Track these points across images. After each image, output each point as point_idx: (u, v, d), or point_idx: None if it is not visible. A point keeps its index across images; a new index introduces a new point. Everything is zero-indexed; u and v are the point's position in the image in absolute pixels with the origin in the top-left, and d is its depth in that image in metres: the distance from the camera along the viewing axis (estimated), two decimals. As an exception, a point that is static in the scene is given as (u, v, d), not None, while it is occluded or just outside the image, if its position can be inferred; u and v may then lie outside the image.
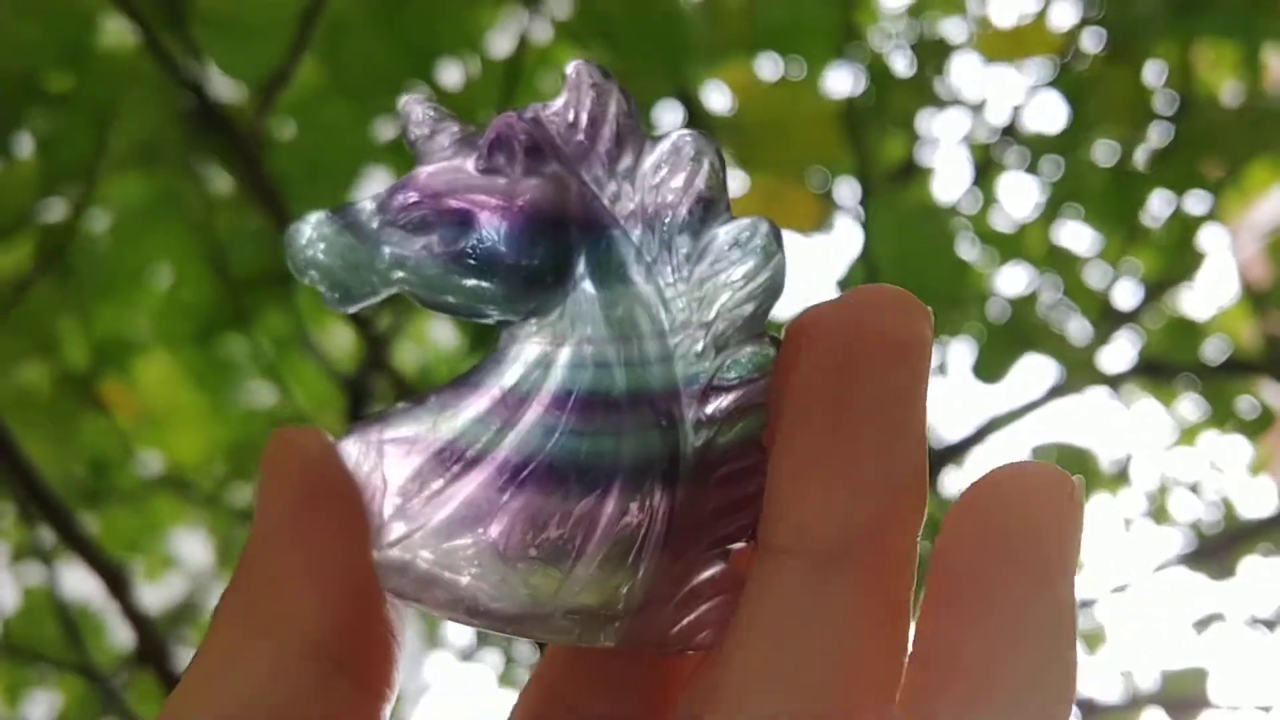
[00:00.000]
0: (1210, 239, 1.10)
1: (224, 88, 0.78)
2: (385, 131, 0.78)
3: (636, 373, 0.22)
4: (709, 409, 0.22)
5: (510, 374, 0.23)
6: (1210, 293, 1.22)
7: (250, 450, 1.00)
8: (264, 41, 0.71)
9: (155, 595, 1.41)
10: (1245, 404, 1.11)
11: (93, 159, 0.57)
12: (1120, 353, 1.15)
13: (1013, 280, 1.12)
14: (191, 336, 0.85)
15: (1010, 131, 1.08)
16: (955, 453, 1.01)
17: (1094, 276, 1.16)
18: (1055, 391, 1.02)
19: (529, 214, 0.22)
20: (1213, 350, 1.16)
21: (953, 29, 1.14)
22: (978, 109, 1.08)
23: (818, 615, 0.20)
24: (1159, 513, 1.26)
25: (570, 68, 0.23)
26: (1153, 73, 0.99)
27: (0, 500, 1.00)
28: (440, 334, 1.33)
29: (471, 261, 0.22)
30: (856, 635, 0.20)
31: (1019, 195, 1.16)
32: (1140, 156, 0.92)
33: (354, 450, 0.23)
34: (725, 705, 0.20)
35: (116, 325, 0.91)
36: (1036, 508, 0.21)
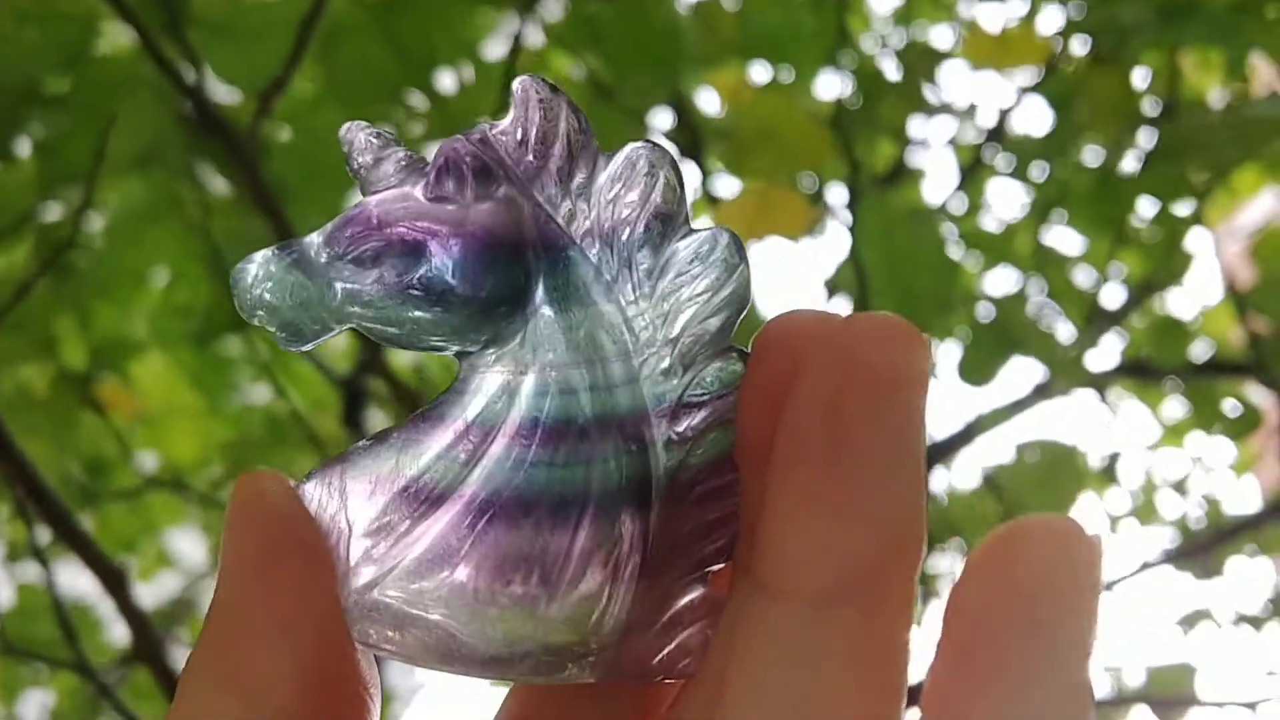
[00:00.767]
0: (1197, 241, 1.11)
1: (222, 92, 0.79)
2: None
3: (603, 397, 0.22)
4: (680, 428, 0.22)
5: (473, 405, 0.22)
6: (1196, 295, 1.23)
7: (246, 448, 1.01)
8: (262, 47, 0.72)
9: (150, 593, 1.42)
10: (1230, 405, 1.12)
11: (92, 162, 0.58)
12: (1106, 354, 1.16)
13: (1000, 282, 1.13)
14: (189, 338, 0.86)
15: (998, 135, 1.09)
16: (943, 451, 1.02)
17: (1080, 279, 1.17)
18: (1042, 391, 1.03)
19: (482, 241, 0.22)
20: (1198, 351, 1.17)
21: (941, 35, 1.16)
22: (966, 114, 1.09)
23: (815, 656, 0.19)
24: (1145, 511, 1.27)
25: (516, 84, 0.22)
26: (1139, 77, 1.01)
27: (-3, 499, 1.00)
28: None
29: (425, 293, 0.21)
30: (855, 677, 0.19)
31: (1006, 199, 1.17)
32: (1127, 161, 0.93)
33: (316, 493, 0.22)
34: None
35: (115, 326, 0.91)
36: (1056, 573, 0.19)
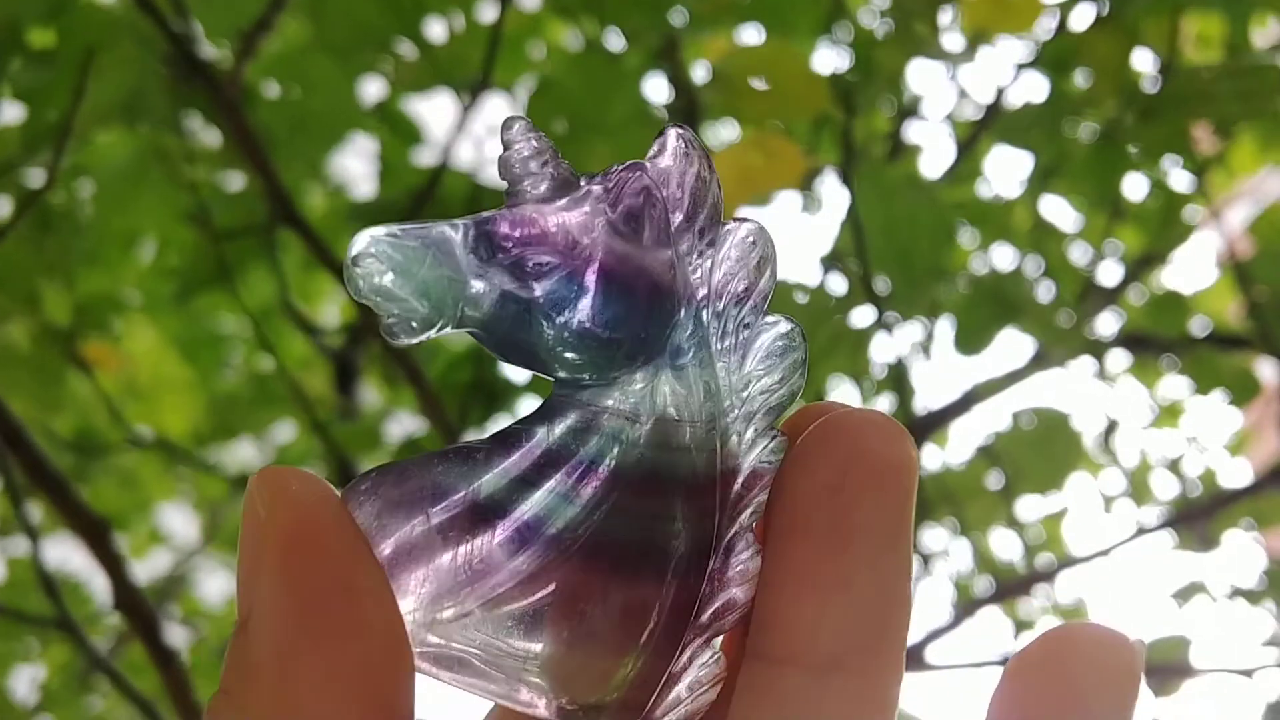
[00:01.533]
0: (1194, 214, 1.11)
1: (209, 46, 0.78)
2: (370, 90, 0.78)
3: (691, 458, 0.22)
4: (745, 500, 0.22)
5: (563, 438, 0.22)
6: (1194, 269, 1.22)
7: (233, 404, 1.00)
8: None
9: (142, 570, 1.41)
10: (1229, 373, 1.12)
11: (70, 100, 0.56)
12: (1103, 327, 1.15)
13: (996, 256, 1.12)
14: (173, 293, 0.85)
15: (995, 105, 1.08)
16: (938, 420, 1.01)
17: (1077, 254, 1.16)
18: (1038, 361, 1.03)
19: (650, 289, 0.22)
20: (1197, 326, 1.16)
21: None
22: (964, 56, 1.07)
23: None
24: (1140, 488, 1.26)
25: (674, 134, 0.22)
26: (1141, 42, 1.00)
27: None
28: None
29: (577, 321, 0.21)
30: None
31: (1003, 169, 1.16)
32: (1127, 122, 0.92)
33: (365, 508, 0.20)
34: None
35: (99, 282, 0.90)
36: (1106, 676, 0.21)
